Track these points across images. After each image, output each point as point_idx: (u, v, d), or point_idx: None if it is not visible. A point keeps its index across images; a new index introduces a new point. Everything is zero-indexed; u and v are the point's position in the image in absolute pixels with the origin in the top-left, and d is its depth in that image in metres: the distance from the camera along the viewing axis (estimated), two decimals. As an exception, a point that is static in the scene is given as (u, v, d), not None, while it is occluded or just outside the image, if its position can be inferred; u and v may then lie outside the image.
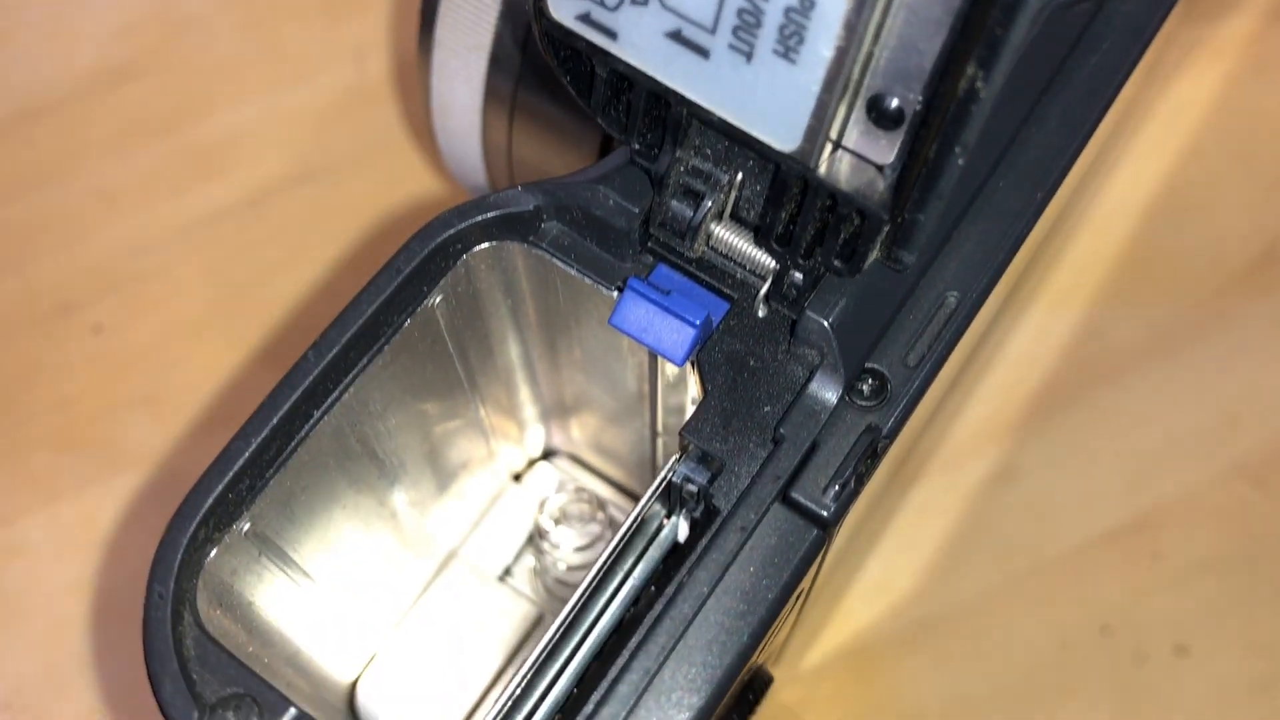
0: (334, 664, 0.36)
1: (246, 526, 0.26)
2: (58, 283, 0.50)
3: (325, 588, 0.32)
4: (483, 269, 0.29)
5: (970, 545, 0.46)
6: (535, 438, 0.40)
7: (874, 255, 0.24)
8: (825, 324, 0.26)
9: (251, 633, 0.28)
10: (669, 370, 0.30)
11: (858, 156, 0.23)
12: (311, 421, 0.27)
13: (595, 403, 0.36)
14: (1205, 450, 0.48)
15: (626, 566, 0.26)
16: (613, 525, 0.38)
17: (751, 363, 0.27)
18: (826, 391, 0.26)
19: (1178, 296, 0.51)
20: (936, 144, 0.22)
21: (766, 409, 0.26)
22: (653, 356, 0.30)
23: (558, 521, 0.38)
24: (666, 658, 0.24)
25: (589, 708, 0.24)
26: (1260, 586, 0.45)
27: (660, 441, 0.34)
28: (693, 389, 0.30)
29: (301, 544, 0.29)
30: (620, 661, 0.24)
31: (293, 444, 0.26)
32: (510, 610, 0.39)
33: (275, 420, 0.26)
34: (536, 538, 0.38)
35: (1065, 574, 0.47)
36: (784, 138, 0.23)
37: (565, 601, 0.39)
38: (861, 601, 0.45)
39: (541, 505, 0.38)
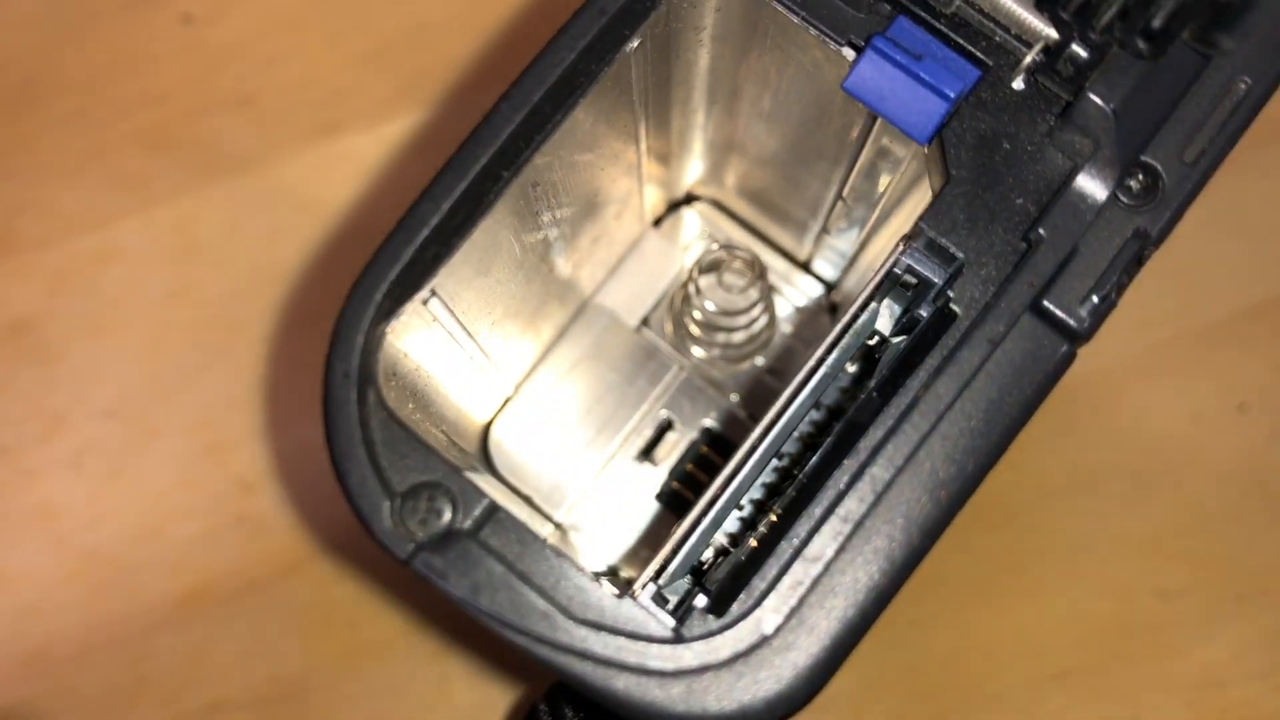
0: (471, 408, 0.35)
1: (428, 294, 0.24)
2: (145, -35, 0.46)
3: (478, 341, 0.30)
4: (685, 6, 0.25)
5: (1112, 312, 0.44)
6: (683, 182, 0.37)
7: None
8: (1109, 109, 0.22)
9: (414, 397, 0.27)
10: (886, 136, 0.27)
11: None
12: (501, 183, 0.24)
13: (767, 155, 0.32)
14: (1366, 224, 0.45)
15: (839, 363, 0.24)
16: (764, 280, 0.36)
17: (1005, 145, 0.23)
18: (1094, 187, 0.23)
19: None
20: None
21: (1019, 201, 0.23)
22: (871, 119, 0.26)
23: (707, 271, 0.35)
24: (899, 472, 0.22)
25: (817, 510, 0.22)
26: None
27: (840, 207, 0.31)
28: (905, 158, 0.27)
29: (468, 304, 0.27)
30: (849, 469, 0.22)
31: (482, 207, 0.24)
32: (645, 357, 0.37)
33: (466, 183, 0.23)
34: (685, 286, 0.36)
35: (1207, 347, 0.44)
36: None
37: (702, 352, 0.37)
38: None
39: (691, 259, 0.36)
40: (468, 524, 0.22)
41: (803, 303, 0.38)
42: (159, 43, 0.45)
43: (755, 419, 0.37)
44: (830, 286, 0.38)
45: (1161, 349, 0.44)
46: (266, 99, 0.46)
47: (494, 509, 0.22)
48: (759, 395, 0.38)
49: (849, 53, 0.24)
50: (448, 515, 0.22)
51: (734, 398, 0.38)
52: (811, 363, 0.24)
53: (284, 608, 0.42)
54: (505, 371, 0.35)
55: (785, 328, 0.38)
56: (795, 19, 0.24)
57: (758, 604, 0.22)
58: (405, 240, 0.23)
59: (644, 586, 0.23)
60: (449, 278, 0.25)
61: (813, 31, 0.24)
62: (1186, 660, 0.42)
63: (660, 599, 0.23)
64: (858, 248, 0.35)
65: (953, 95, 0.23)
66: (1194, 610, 0.42)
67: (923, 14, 0.24)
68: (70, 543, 0.42)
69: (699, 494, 0.36)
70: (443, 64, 0.45)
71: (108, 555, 0.42)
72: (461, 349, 0.29)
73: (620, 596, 0.22)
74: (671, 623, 0.22)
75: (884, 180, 0.29)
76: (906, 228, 0.28)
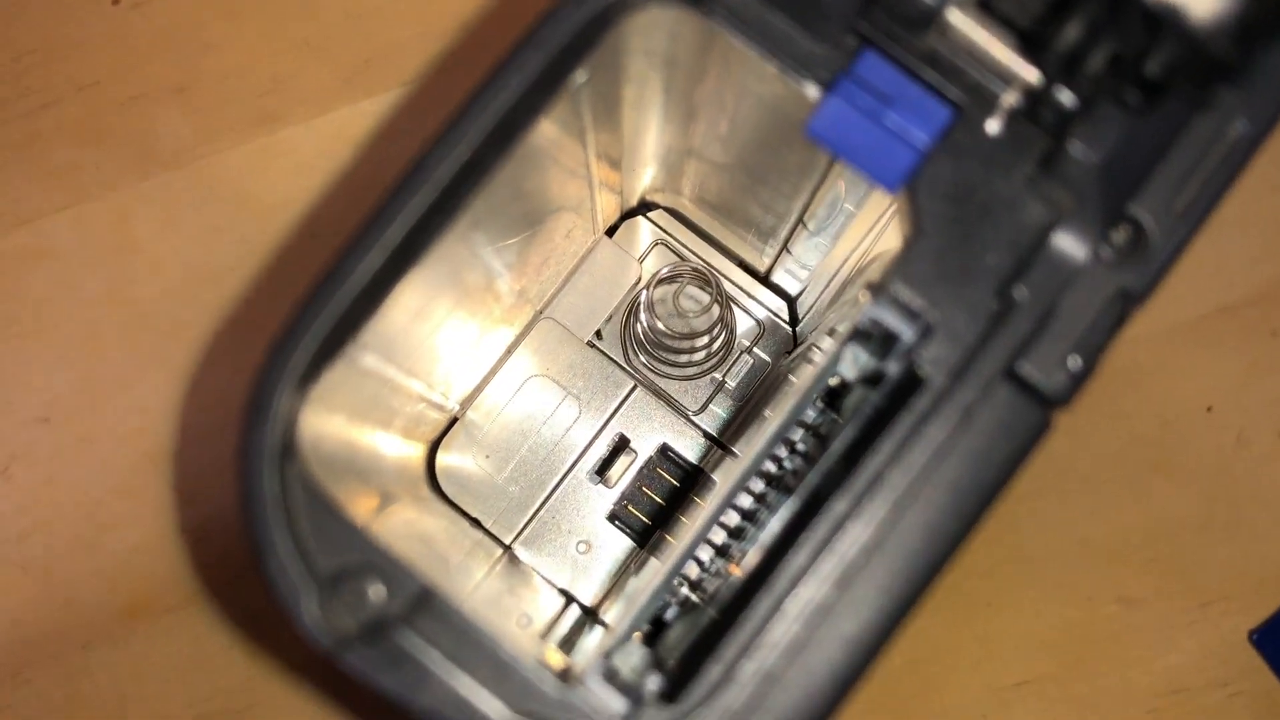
0: (413, 438, 0.33)
1: (355, 350, 0.22)
2: (67, -56, 0.43)
3: (417, 375, 0.28)
4: (635, 36, 0.23)
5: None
6: (637, 189, 0.35)
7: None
8: (1094, 160, 0.20)
9: (343, 449, 0.25)
10: (849, 174, 0.25)
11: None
12: (433, 232, 0.22)
13: (725, 171, 0.30)
14: (1338, 223, 0.44)
15: (801, 409, 0.22)
16: (721, 298, 0.34)
17: (978, 195, 0.22)
18: (1075, 242, 0.21)
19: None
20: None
21: (994, 256, 0.21)
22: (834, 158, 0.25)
23: (661, 291, 0.34)
24: (868, 554, 0.21)
25: (777, 590, 0.21)
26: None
27: (801, 232, 0.30)
28: (871, 197, 0.25)
29: (404, 346, 0.25)
30: (810, 549, 0.21)
31: (413, 259, 0.22)
32: (598, 373, 0.36)
33: (396, 237, 0.21)
34: (639, 303, 0.34)
35: (1175, 348, 0.44)
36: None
37: (657, 368, 0.36)
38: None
39: (647, 270, 0.34)
40: (401, 608, 0.21)
41: (763, 315, 0.37)
42: (87, 27, 0.43)
43: (711, 436, 0.36)
44: (791, 299, 0.37)
45: (1129, 349, 0.43)
46: (202, 88, 0.43)
47: (428, 594, 0.21)
48: (716, 411, 0.36)
49: (812, 90, 0.22)
50: (379, 598, 0.20)
51: (691, 414, 0.36)
52: (770, 429, 0.22)
53: (226, 620, 0.41)
54: (450, 396, 0.33)
55: (744, 341, 0.37)
56: (754, 52, 0.22)
57: (712, 693, 0.20)
58: (327, 297, 0.21)
59: (593, 667, 0.21)
60: (380, 326, 0.23)
61: (771, 66, 0.22)
62: (1149, 668, 0.41)
63: (611, 672, 0.22)
64: (821, 260, 0.33)
65: (921, 147, 0.21)
66: (1157, 618, 0.41)
67: (892, 48, 0.22)
68: (0, 557, 0.41)
69: (653, 516, 0.35)
70: (385, 52, 0.43)
71: (41, 569, 0.41)
72: (399, 386, 0.27)
73: (567, 681, 0.21)
74: (623, 710, 0.21)
75: (849, 204, 0.28)
76: (872, 237, 0.26)
